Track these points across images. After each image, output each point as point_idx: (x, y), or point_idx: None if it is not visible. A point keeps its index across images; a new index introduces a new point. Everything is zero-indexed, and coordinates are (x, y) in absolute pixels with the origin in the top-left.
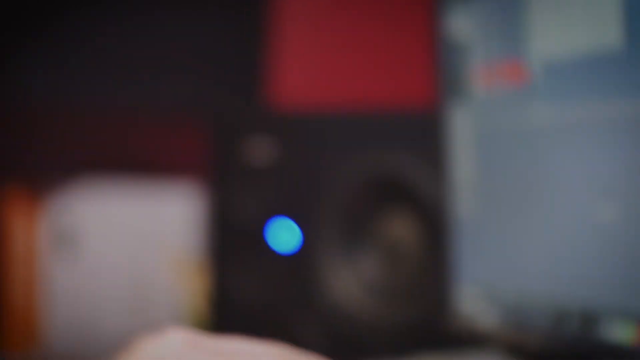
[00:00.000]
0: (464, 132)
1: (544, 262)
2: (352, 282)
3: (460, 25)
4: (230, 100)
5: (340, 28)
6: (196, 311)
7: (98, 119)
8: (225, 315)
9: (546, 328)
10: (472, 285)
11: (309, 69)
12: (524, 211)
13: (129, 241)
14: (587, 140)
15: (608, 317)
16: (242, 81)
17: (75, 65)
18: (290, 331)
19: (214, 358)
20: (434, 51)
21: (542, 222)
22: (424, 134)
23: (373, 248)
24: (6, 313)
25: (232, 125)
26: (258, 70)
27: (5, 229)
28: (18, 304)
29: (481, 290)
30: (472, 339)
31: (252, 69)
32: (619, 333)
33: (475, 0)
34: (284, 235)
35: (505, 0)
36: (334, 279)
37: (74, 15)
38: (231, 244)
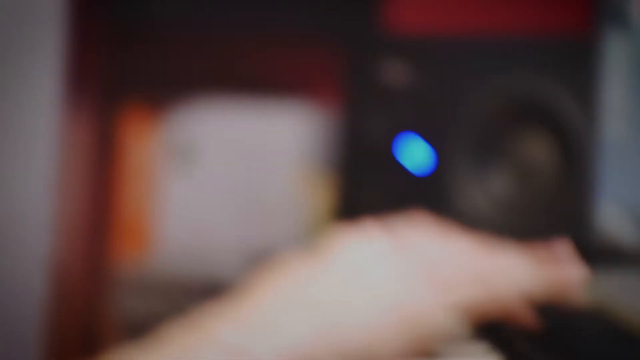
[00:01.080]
0: (617, 57)
1: None
2: (484, 201)
3: None
4: (348, 21)
5: None
6: (318, 225)
7: (217, 38)
8: None
9: None
10: (615, 205)
11: None
12: None
13: (243, 156)
14: None
15: None
16: (359, 2)
17: None
18: None
19: (424, 276)
20: None
21: None
22: (565, 58)
23: (506, 168)
24: (120, 223)
25: (365, 47)
26: None
27: (122, 142)
28: (132, 216)
29: (625, 211)
30: (611, 258)
31: None
32: None
33: None
34: (415, 155)
35: None
36: (466, 198)
37: None
38: (362, 162)
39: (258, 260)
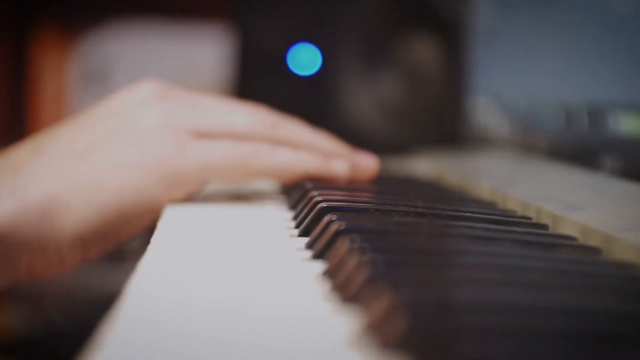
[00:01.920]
0: None
1: (553, 65)
2: (369, 102)
3: None
4: None
5: None
6: None
7: None
8: None
9: (555, 128)
10: (485, 95)
11: None
12: (539, 14)
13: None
14: None
15: (614, 111)
16: None
17: None
18: None
19: (182, 108)
20: None
21: (554, 24)
22: None
23: (393, 71)
24: None
25: None
26: None
27: (37, 66)
28: None
29: (493, 100)
30: (485, 145)
31: None
32: (625, 125)
33: None
34: (304, 59)
35: None
36: (352, 100)
37: None
38: (253, 68)
39: None
